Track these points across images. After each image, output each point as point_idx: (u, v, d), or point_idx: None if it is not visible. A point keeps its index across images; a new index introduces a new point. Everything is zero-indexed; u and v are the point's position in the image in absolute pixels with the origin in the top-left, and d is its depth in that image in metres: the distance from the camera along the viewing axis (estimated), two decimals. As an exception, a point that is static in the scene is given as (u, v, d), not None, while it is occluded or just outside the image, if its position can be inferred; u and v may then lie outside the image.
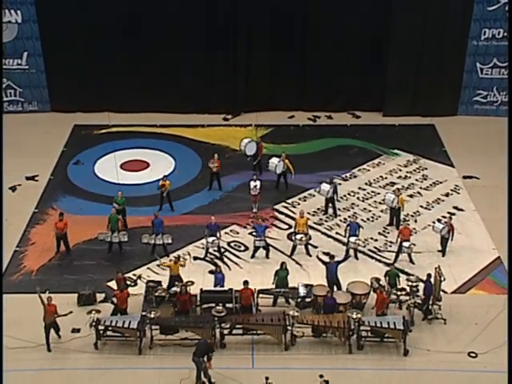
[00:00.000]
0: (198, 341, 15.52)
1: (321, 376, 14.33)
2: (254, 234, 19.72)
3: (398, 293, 17.10)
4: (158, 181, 21.67)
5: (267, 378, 14.33)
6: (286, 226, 20.81)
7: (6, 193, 22.24)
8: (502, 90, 26.69)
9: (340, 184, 22.57)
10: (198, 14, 26.19)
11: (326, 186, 20.98)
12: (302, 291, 17.30)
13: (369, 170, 24.08)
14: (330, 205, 21.38)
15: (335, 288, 17.41)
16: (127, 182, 22.98)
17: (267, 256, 19.37)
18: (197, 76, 27.20)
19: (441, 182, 23.22)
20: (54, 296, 16.98)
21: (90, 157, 24.85)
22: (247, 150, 22.86)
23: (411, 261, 19.00)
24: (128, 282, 17.69)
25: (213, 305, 16.57)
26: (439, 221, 19.90)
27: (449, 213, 20.91)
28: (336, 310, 16.56)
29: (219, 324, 16.10)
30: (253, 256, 19.43)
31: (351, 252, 19.32)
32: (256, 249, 19.40)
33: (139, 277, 18.34)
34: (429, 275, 16.93)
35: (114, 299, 16.85)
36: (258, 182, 21.10)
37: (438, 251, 19.50)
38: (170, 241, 19.40)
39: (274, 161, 22.22)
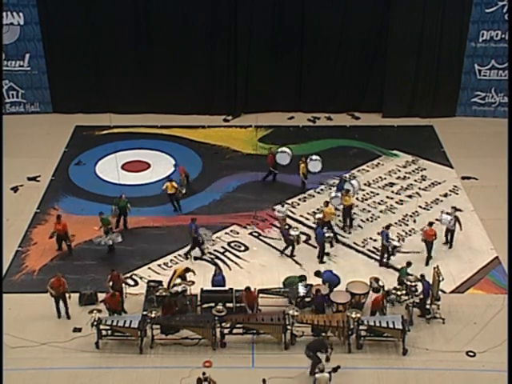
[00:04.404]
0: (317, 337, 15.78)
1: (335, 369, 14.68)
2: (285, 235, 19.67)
3: (398, 292, 17.20)
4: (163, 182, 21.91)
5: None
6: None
7: (7, 193, 22.37)
8: (500, 91, 26.83)
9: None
10: (199, 16, 26.30)
11: (355, 183, 21.70)
12: (302, 291, 17.42)
13: (368, 171, 24.20)
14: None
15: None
16: (128, 183, 23.11)
17: (290, 252, 19.51)
18: (197, 77, 27.32)
19: (439, 183, 23.34)
20: (55, 296, 17.20)
21: (91, 157, 24.96)
22: (279, 159, 22.92)
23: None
24: (125, 282, 17.80)
25: (213, 304, 16.72)
26: (448, 214, 19.83)
27: (452, 207, 20.75)
28: (326, 307, 16.82)
29: (219, 323, 16.22)
30: (287, 253, 19.51)
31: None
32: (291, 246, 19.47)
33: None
34: (422, 276, 17.10)
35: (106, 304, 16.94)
36: (284, 208, 20.82)
37: (444, 244, 19.67)
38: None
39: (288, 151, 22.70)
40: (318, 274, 17.76)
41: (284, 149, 23.19)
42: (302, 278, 17.71)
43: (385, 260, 19.14)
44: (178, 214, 21.49)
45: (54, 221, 20.12)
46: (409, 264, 17.82)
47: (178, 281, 17.58)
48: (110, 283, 17.31)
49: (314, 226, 20.28)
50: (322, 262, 19.22)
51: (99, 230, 19.61)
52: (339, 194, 21.03)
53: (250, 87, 27.59)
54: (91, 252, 19.67)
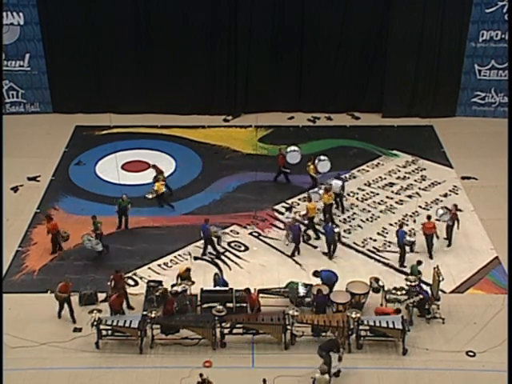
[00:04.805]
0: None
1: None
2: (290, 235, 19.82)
3: (398, 292, 17.20)
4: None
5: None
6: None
7: (7, 193, 22.38)
8: (499, 91, 26.83)
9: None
10: (199, 16, 26.31)
11: (337, 182, 21.36)
12: (302, 291, 17.43)
13: (368, 171, 24.21)
14: (338, 201, 21.62)
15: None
16: (128, 183, 23.10)
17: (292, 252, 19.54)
18: (197, 77, 27.33)
19: (439, 183, 23.35)
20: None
21: (91, 157, 24.97)
22: (290, 159, 22.85)
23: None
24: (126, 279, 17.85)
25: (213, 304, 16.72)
26: (442, 208, 20.08)
27: (454, 205, 20.64)
28: (327, 307, 16.85)
29: (219, 323, 16.23)
30: (298, 253, 19.60)
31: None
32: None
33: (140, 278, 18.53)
34: (420, 287, 17.17)
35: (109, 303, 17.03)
36: (292, 214, 20.67)
37: (445, 239, 19.81)
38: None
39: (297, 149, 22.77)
40: (316, 274, 17.77)
41: (293, 147, 23.07)
42: (305, 287, 17.65)
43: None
44: (179, 214, 21.52)
45: (53, 221, 20.14)
46: (419, 262, 17.82)
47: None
48: (112, 283, 17.31)
49: (322, 225, 20.26)
50: (331, 258, 19.36)
51: (93, 232, 19.58)
52: (321, 191, 21.15)
53: (250, 87, 27.60)
54: (91, 252, 19.62)
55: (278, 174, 23.21)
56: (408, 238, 19.21)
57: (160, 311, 16.55)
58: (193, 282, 17.63)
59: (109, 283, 17.48)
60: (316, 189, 21.47)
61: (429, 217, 19.56)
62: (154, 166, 22.68)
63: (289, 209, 20.95)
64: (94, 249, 19.27)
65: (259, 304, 16.86)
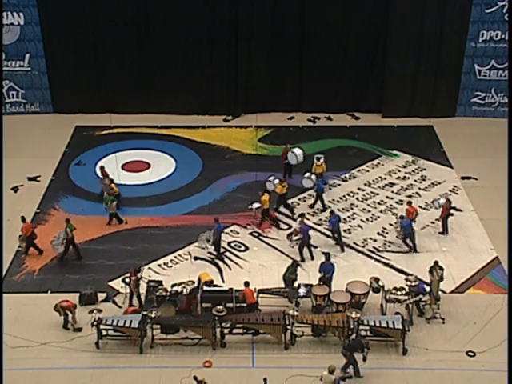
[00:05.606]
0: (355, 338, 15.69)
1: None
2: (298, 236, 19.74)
3: (399, 292, 17.19)
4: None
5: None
6: (286, 226, 20.94)
7: (8, 193, 22.40)
8: (499, 91, 26.84)
9: (339, 185, 22.97)
10: (199, 16, 26.31)
11: (307, 174, 21.79)
12: (302, 291, 17.44)
13: (368, 171, 24.21)
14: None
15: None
16: (128, 183, 23.12)
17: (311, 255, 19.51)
18: (197, 77, 27.35)
19: (439, 183, 23.36)
20: (55, 295, 17.25)
21: (91, 157, 24.97)
22: (290, 159, 22.93)
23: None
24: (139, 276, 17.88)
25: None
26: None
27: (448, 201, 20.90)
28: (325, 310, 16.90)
29: (219, 323, 16.24)
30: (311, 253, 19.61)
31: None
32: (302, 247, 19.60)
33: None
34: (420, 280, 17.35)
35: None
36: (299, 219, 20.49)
37: (440, 233, 20.36)
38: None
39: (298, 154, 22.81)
40: (327, 256, 17.90)
41: (296, 150, 22.93)
42: (295, 265, 17.78)
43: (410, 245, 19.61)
44: (179, 214, 21.49)
45: (55, 221, 20.38)
46: (436, 262, 17.74)
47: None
48: (128, 280, 17.38)
49: (328, 216, 20.31)
50: (343, 250, 19.70)
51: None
52: (276, 181, 21.33)
53: (249, 87, 27.61)
54: (91, 252, 19.67)
55: (287, 170, 23.09)
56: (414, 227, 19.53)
57: (160, 311, 16.56)
58: (193, 282, 17.57)
59: (127, 280, 17.44)
60: (271, 178, 21.53)
61: (409, 202, 20.27)
62: (102, 168, 22.47)
63: (300, 215, 20.77)
64: (54, 249, 19.20)
65: (248, 300, 16.80)
